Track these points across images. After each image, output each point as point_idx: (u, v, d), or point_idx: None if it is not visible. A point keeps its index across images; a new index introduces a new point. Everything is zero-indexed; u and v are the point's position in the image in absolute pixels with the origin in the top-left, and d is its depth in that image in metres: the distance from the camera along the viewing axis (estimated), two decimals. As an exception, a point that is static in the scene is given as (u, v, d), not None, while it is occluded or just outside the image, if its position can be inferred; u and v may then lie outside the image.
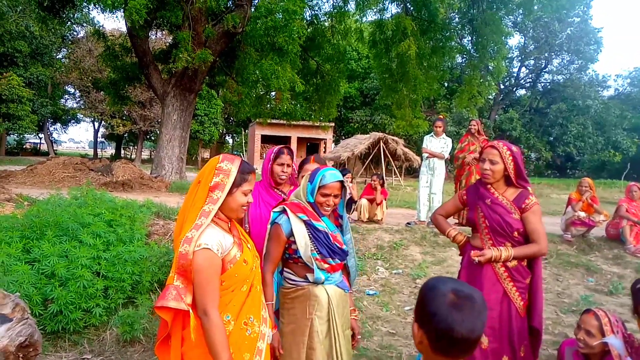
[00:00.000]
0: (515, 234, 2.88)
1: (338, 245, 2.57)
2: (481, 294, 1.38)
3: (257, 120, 20.54)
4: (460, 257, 3.26)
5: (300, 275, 2.55)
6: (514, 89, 43.44)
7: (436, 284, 1.40)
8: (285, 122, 19.05)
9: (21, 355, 2.46)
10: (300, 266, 2.54)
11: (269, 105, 18.82)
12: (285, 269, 2.60)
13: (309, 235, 2.50)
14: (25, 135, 43.32)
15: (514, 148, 2.95)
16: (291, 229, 2.50)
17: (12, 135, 42.88)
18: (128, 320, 4.02)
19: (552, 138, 38.95)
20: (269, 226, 2.59)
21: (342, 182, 2.59)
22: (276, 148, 3.36)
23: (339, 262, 2.61)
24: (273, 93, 18.61)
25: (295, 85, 13.25)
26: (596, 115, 36.99)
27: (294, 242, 2.49)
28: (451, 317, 1.30)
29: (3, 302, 2.54)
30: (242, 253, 2.10)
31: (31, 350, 2.52)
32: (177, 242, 2.03)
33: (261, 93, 17.87)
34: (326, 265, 2.54)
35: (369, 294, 5.69)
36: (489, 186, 2.99)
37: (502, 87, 40.94)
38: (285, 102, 16.63)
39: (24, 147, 50.92)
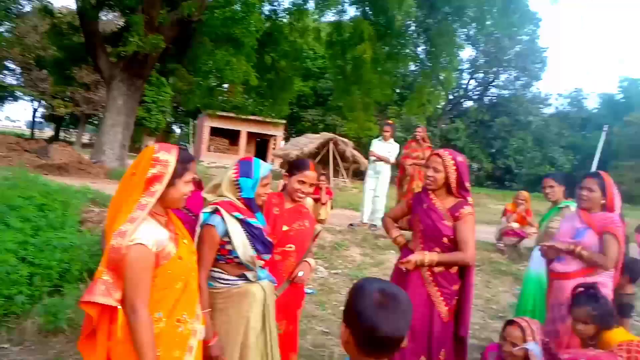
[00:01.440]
0: (445, 240, 2.97)
1: (269, 239, 2.55)
2: (407, 295, 1.40)
3: (207, 111, 20.22)
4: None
5: (234, 274, 2.46)
6: (462, 100, 44.90)
7: (364, 284, 1.42)
8: (235, 115, 18.82)
9: None
10: (234, 265, 2.45)
11: (220, 98, 18.53)
12: (213, 269, 2.45)
13: (245, 233, 2.43)
14: (-44, 109, 40.77)
15: (459, 158, 3.02)
16: (226, 229, 2.39)
17: (-60, 108, 40.19)
18: (52, 309, 3.85)
19: (494, 150, 40.46)
20: (198, 229, 2.44)
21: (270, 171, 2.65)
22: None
23: (270, 256, 2.59)
24: (225, 85, 18.35)
25: (250, 78, 13.12)
26: (536, 131, 38.81)
27: (228, 243, 2.39)
28: (376, 316, 1.31)
29: None
30: (177, 249, 2.03)
31: (-61, 337, 2.35)
32: (108, 235, 1.93)
33: (213, 84, 17.56)
34: (262, 262, 2.51)
35: (307, 293, 5.69)
36: (430, 192, 3.06)
37: (451, 97, 42.19)
38: (238, 95, 16.47)
39: (-46, 121, 47.80)
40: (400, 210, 3.45)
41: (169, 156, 1.98)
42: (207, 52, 13.51)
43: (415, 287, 2.97)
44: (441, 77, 16.19)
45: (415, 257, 2.93)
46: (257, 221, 2.51)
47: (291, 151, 22.98)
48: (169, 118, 36.47)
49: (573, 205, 3.91)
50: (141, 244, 1.86)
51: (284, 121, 32.56)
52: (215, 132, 34.25)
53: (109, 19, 31.01)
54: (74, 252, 4.40)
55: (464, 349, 3.09)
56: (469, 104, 46.22)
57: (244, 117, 19.44)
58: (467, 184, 3.05)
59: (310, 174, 2.92)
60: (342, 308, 4.60)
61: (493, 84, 43.14)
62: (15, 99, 48.41)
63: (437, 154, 3.02)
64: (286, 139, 36.63)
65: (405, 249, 3.19)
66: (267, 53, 16.50)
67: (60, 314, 3.83)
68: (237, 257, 2.41)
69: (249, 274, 2.47)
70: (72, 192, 5.92)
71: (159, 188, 1.94)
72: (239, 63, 12.58)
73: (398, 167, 8.69)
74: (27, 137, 32.26)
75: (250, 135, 35.01)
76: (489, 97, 44.57)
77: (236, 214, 2.43)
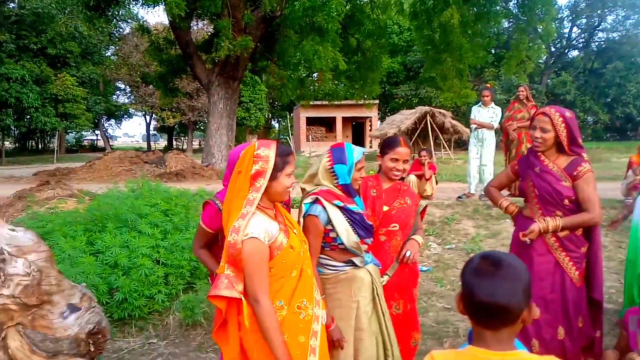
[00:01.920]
0: (566, 202, 2.76)
1: (370, 223, 2.54)
2: (518, 264, 1.35)
3: (301, 102, 20.62)
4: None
5: (341, 260, 2.51)
6: (566, 51, 41.44)
7: (479, 254, 1.41)
8: (329, 102, 18.98)
9: (91, 342, 2.60)
10: (339, 251, 2.49)
11: (311, 87, 18.80)
12: (321, 256, 2.52)
13: (347, 220, 2.46)
14: (83, 132, 45.40)
15: (567, 113, 2.80)
16: (328, 218, 2.44)
17: (70, 134, 45.01)
18: (189, 305, 4.18)
19: (609, 99, 37.02)
20: (301, 219, 2.51)
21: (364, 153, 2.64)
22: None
23: (372, 240, 2.59)
24: (315, 74, 18.58)
25: (338, 63, 13.15)
26: (658, 71, 34.85)
27: (332, 230, 2.44)
28: (471, 282, 1.33)
29: (71, 293, 2.68)
30: (288, 239, 2.11)
31: (100, 336, 2.66)
32: (225, 231, 2.07)
33: (303, 75, 17.87)
34: (365, 246, 2.53)
35: (422, 270, 5.65)
36: (540, 154, 2.87)
37: (552, 49, 39.14)
38: (328, 83, 16.58)
39: (82, 144, 53.34)
40: (506, 177, 3.25)
41: (269, 151, 2.07)
42: (293, 44, 13.76)
43: (540, 255, 2.82)
44: (539, 30, 15.05)
45: (539, 225, 2.75)
46: (356, 207, 2.52)
47: (388, 130, 22.75)
48: (267, 114, 37.74)
49: None
50: (254, 237, 1.96)
51: (376, 101, 32.28)
52: (311, 121, 34.87)
53: (200, 27, 32.72)
54: (199, 251, 4.75)
55: (600, 314, 2.90)
56: (574, 53, 42.67)
57: (337, 103, 19.55)
58: (580, 140, 2.83)
59: (402, 150, 2.84)
60: (462, 283, 4.48)
61: (599, 28, 39.25)
62: (130, 115, 53.06)
63: (544, 112, 2.80)
64: (381, 119, 36.35)
65: (520, 218, 3.02)
66: (352, 35, 16.42)
67: (196, 308, 4.17)
68: (341, 243, 2.44)
69: (356, 260, 2.50)
70: (190, 195, 6.37)
71: (263, 183, 2.03)
72: (325, 50, 12.65)
73: (503, 131, 8.28)
74: (144, 149, 35.16)
75: (346, 120, 35.18)
76: (597, 43, 40.70)
77: (336, 201, 2.46)
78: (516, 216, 3.08)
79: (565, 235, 2.80)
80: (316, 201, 2.47)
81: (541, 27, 14.20)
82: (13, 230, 2.62)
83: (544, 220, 2.77)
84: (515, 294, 1.29)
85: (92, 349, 2.61)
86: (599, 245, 2.88)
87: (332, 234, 2.45)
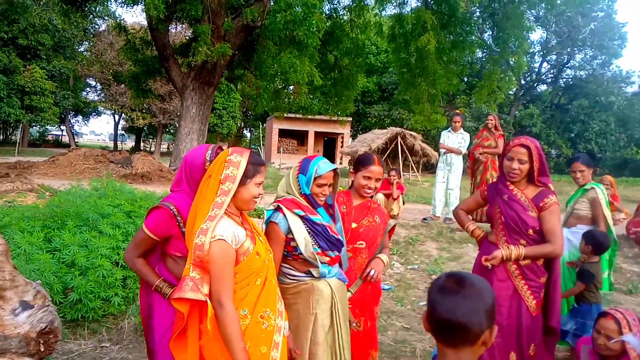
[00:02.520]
0: (530, 231, 2.85)
1: (335, 236, 2.53)
2: (486, 286, 1.37)
3: (275, 114, 20.64)
4: (476, 254, 3.25)
5: (302, 271, 2.51)
6: (535, 85, 42.81)
7: (445, 272, 1.45)
8: (302, 116, 19.04)
9: (42, 342, 2.52)
10: (301, 262, 2.49)
11: (286, 99, 18.84)
12: (283, 264, 2.52)
13: (307, 230, 2.46)
14: (47, 127, 44.12)
15: (538, 144, 2.91)
16: (289, 226, 2.44)
17: (34, 127, 43.69)
18: (146, 310, 4.09)
19: (573, 135, 38.32)
20: (263, 225, 2.53)
21: (335, 170, 2.58)
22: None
23: (337, 254, 2.57)
24: (291, 87, 18.64)
25: (314, 78, 13.24)
26: (619, 111, 36.26)
27: (293, 239, 2.44)
28: (435, 298, 1.35)
29: (25, 289, 2.59)
30: (254, 245, 2.12)
31: (52, 336, 2.57)
32: (190, 236, 2.05)
33: (279, 87, 17.89)
34: (327, 259, 2.51)
35: (384, 289, 5.69)
36: (509, 183, 2.96)
37: (522, 82, 40.37)
38: (303, 96, 16.64)
39: (46, 138, 51.77)
40: (474, 202, 3.33)
41: (240, 158, 2.10)
42: (271, 56, 13.77)
43: (500, 281, 2.88)
44: (511, 62, 15.53)
45: (502, 252, 2.83)
46: (319, 218, 2.51)
47: (359, 148, 22.98)
48: (239, 123, 37.53)
49: (599, 187, 4.19)
50: (222, 239, 1.97)
51: (350, 119, 32.58)
52: (283, 133, 34.86)
53: (178, 31, 32.47)
54: (161, 256, 4.66)
55: (554, 342, 2.98)
56: (542, 87, 44.07)
57: (310, 117, 19.63)
58: (547, 171, 2.93)
59: (375, 169, 2.87)
60: (422, 303, 4.61)
61: (568, 65, 40.74)
62: (99, 113, 51.96)
63: (521, 144, 2.87)
64: (353, 137, 36.67)
65: (485, 243, 3.09)
66: (330, 52, 16.58)
67: (153, 313, 4.08)
68: (301, 253, 2.45)
69: (314, 271, 2.50)
70: (155, 198, 6.25)
71: (232, 187, 2.05)
72: (303, 64, 12.71)
73: (470, 157, 8.47)
74: (111, 149, 34.40)
75: (318, 134, 35.32)
76: (564, 79, 42.16)
77: (297, 210, 2.46)
78: (481, 241, 3.15)
79: (527, 264, 2.89)
80: (278, 209, 2.49)
81: (513, 59, 14.66)
82: (-32, 220, 2.53)
83: (508, 247, 2.85)
84: (476, 314, 1.30)
85: (42, 349, 2.52)
86: (558, 276, 2.97)
87: (292, 243, 2.45)
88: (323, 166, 2.53)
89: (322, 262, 2.49)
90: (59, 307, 3.78)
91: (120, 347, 3.92)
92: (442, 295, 1.34)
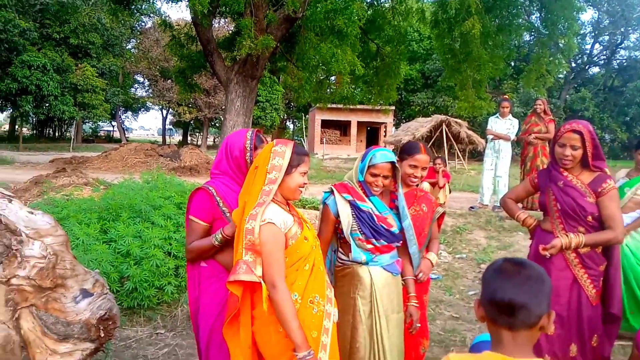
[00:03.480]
0: (589, 218, 2.74)
1: (384, 226, 2.52)
2: (538, 269, 1.38)
3: (317, 105, 20.65)
4: (529, 242, 3.16)
5: (348, 255, 2.57)
6: (587, 67, 41.01)
7: (500, 258, 1.46)
8: (344, 106, 18.94)
9: (102, 328, 2.63)
10: (349, 246, 2.54)
11: (329, 90, 18.78)
12: (339, 248, 2.62)
13: (352, 215, 2.50)
14: (99, 123, 45.85)
15: (591, 128, 2.79)
16: (337, 209, 2.52)
17: (87, 124, 45.49)
18: (197, 298, 4.20)
19: (628, 118, 36.58)
20: (320, 206, 2.64)
21: (393, 163, 2.53)
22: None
23: (386, 244, 2.55)
24: (333, 77, 18.58)
25: (356, 68, 13.14)
26: (679, 92, 34.34)
27: (341, 223, 2.52)
28: (494, 282, 1.37)
29: (85, 278, 2.71)
30: (302, 231, 2.17)
31: (110, 323, 2.68)
32: (239, 227, 2.11)
33: (321, 78, 17.85)
34: (369, 246, 2.51)
35: (432, 278, 5.62)
36: (562, 169, 2.85)
37: (573, 65, 38.73)
38: (345, 86, 16.54)
39: (99, 134, 53.84)
40: (524, 190, 3.22)
41: (285, 148, 2.18)
42: (312, 46, 13.72)
43: (559, 270, 2.79)
44: (560, 45, 14.90)
45: (561, 241, 2.72)
46: (367, 205, 2.53)
47: (403, 137, 22.70)
48: (282, 115, 37.82)
49: None
50: (271, 222, 2.04)
51: (392, 107, 32.20)
52: (326, 124, 34.86)
53: (222, 25, 32.91)
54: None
55: (616, 331, 2.87)
56: (595, 70, 42.19)
57: (352, 107, 19.52)
58: (602, 155, 2.81)
59: (421, 157, 2.82)
60: (471, 293, 4.54)
61: (621, 45, 38.83)
62: (147, 109, 53.50)
63: (573, 130, 2.76)
64: (396, 125, 36.27)
65: (539, 231, 2.98)
66: (371, 40, 16.37)
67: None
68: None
69: (350, 255, 2.53)
70: (203, 190, 6.41)
71: (278, 176, 2.13)
72: (344, 54, 12.62)
73: (519, 144, 8.22)
74: (159, 143, 35.41)
75: (361, 124, 35.12)
76: (618, 61, 40.24)
77: (345, 195, 2.53)
78: (534, 229, 3.06)
79: (586, 252, 2.78)
80: (332, 192, 2.59)
81: (563, 42, 14.06)
82: (31, 212, 2.66)
83: (567, 236, 2.74)
84: (538, 295, 1.32)
85: (102, 335, 2.64)
86: (618, 263, 2.86)
87: (341, 226, 2.53)
88: (379, 156, 2.54)
89: (363, 249, 2.51)
90: (116, 296, 3.93)
91: (174, 333, 4.05)
92: (503, 278, 1.36)
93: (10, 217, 2.54)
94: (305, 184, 2.23)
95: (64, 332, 2.51)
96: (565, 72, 35.13)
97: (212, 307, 2.43)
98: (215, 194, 2.41)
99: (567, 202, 2.78)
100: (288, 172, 2.15)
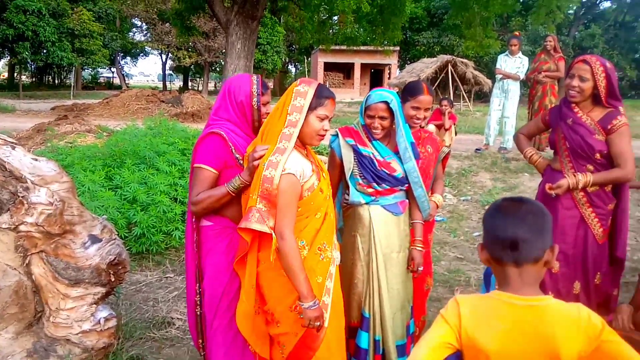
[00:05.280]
0: (598, 156, 2.68)
1: (386, 171, 2.47)
2: (539, 203, 1.41)
3: (320, 47, 20.17)
4: (535, 183, 3.13)
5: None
6: (597, 2, 39.60)
7: (499, 199, 1.47)
8: (348, 48, 18.50)
9: (112, 272, 2.66)
10: None
11: (331, 31, 18.28)
12: (345, 189, 2.63)
13: (355, 159, 2.49)
14: (99, 69, 45.15)
15: (607, 64, 2.65)
16: (341, 153, 2.51)
17: (86, 70, 44.80)
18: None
19: (638, 55, 35.68)
20: (329, 148, 2.63)
21: (387, 103, 2.42)
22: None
23: (388, 187, 2.51)
24: (335, 17, 18.01)
25: (362, 5, 12.72)
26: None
27: (344, 166, 2.53)
28: (496, 221, 1.38)
29: (93, 224, 2.72)
30: (319, 182, 2.12)
31: (120, 268, 2.72)
32: (258, 171, 2.03)
33: (323, 18, 17.33)
34: (370, 190, 2.48)
35: (437, 220, 5.66)
36: (573, 105, 2.76)
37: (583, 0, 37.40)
38: (349, 26, 16.08)
39: (98, 81, 53.11)
40: (535, 127, 3.16)
41: (308, 88, 2.07)
42: (315, -16, 13.27)
43: (566, 209, 2.76)
44: (572, -22, 14.34)
45: (569, 181, 2.68)
46: (368, 150, 2.48)
47: (407, 78, 22.27)
48: (284, 58, 37.06)
49: None
50: (291, 174, 1.98)
51: (397, 48, 31.42)
52: (329, 67, 34.22)
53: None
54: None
55: (619, 273, 2.88)
56: (606, 4, 40.82)
57: (356, 48, 19.06)
58: (618, 93, 2.70)
59: (424, 98, 2.72)
60: (476, 234, 4.55)
61: (636, -23, 37.30)
62: (146, 54, 52.52)
63: (583, 60, 2.66)
64: (401, 67, 35.51)
65: (549, 170, 2.93)
66: (376, -24, 15.79)
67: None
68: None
69: (362, 198, 2.50)
70: (207, 136, 6.36)
71: (299, 118, 2.03)
72: (348, -9, 12.20)
73: (526, 83, 8.04)
74: (160, 89, 34.97)
75: (364, 66, 34.46)
76: (631, -6, 38.76)
77: (348, 139, 2.50)
78: (541, 168, 3.01)
79: (594, 190, 2.74)
80: (337, 135, 2.57)
81: (575, -25, 13.51)
82: (36, 159, 2.64)
83: (574, 175, 2.70)
84: (539, 228, 1.33)
85: (113, 279, 2.68)
86: (627, 203, 2.82)
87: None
88: (373, 97, 2.46)
89: (363, 193, 2.49)
90: (124, 241, 3.97)
91: (183, 277, 4.10)
92: (504, 215, 1.37)
93: (14, 163, 2.52)
94: (326, 130, 2.11)
95: (75, 277, 2.55)
96: (574, 8, 33.98)
97: (222, 268, 2.30)
98: (227, 139, 2.26)
99: (575, 140, 2.72)
100: (307, 115, 2.05)
